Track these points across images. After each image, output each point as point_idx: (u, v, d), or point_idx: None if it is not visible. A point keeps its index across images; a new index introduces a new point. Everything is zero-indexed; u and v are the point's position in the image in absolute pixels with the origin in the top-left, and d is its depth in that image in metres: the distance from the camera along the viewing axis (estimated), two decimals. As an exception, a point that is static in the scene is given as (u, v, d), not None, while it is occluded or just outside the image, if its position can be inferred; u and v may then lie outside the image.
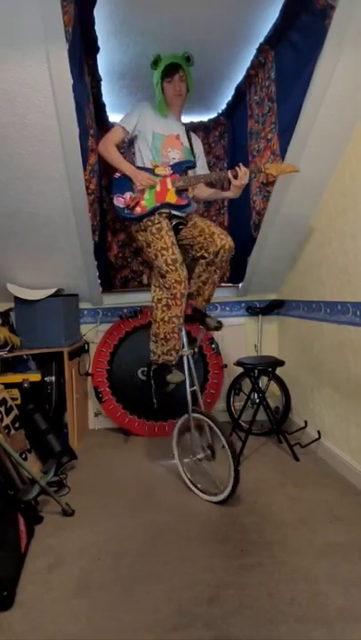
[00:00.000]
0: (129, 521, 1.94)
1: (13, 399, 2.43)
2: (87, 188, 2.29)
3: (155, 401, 2.88)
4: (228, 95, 2.84)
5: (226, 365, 3.08)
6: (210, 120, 3.17)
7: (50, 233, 2.51)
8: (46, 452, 2.41)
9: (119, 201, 2.23)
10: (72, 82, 1.85)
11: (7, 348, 2.64)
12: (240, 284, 3.17)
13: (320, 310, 2.54)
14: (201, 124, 3.18)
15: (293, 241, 2.78)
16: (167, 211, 2.22)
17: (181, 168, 2.24)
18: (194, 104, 2.79)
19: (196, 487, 2.18)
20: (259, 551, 1.68)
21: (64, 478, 2.30)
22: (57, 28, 1.66)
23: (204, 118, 3.16)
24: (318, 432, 2.57)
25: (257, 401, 2.69)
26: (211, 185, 2.50)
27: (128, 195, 2.21)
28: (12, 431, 2.27)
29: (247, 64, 2.44)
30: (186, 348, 2.26)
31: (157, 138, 2.23)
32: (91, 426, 3.25)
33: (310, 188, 2.40)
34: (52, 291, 2.79)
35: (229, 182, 2.16)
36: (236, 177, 2.11)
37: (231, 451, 2.01)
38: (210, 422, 2.15)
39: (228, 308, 3.29)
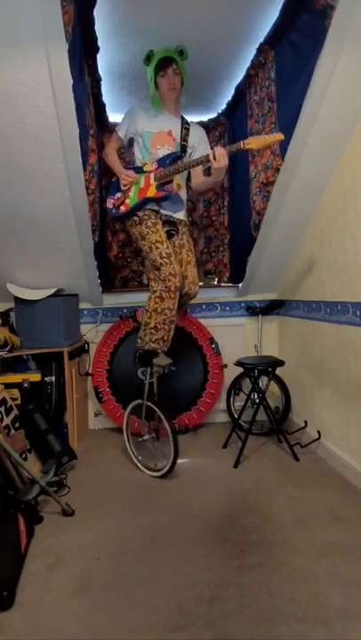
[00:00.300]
0: (129, 521, 1.94)
1: (13, 399, 2.43)
2: (87, 187, 2.29)
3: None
4: (228, 95, 2.84)
5: (226, 365, 3.08)
6: (210, 120, 3.17)
7: (50, 233, 2.51)
8: (46, 452, 2.41)
9: (110, 202, 2.35)
10: (72, 82, 1.85)
11: (7, 348, 2.64)
12: (240, 284, 3.17)
13: (320, 310, 2.54)
14: (201, 123, 3.16)
15: (293, 241, 2.78)
16: (156, 208, 2.25)
17: (166, 161, 2.25)
18: (194, 104, 2.79)
19: (140, 463, 2.44)
20: (259, 551, 1.68)
21: (64, 478, 2.30)
22: (57, 28, 1.66)
23: (204, 118, 3.16)
24: (318, 432, 2.57)
25: (257, 401, 2.69)
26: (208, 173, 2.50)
27: (117, 195, 2.31)
28: (12, 431, 2.27)
29: (247, 64, 2.44)
30: None
31: (146, 136, 2.25)
32: (91, 426, 3.25)
33: (310, 188, 2.40)
34: (52, 291, 2.78)
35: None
36: (214, 158, 2.04)
37: (171, 430, 2.24)
38: (158, 410, 2.35)
39: (228, 308, 3.29)
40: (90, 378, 3.13)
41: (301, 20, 1.94)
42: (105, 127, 2.94)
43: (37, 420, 2.45)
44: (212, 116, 3.14)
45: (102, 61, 2.33)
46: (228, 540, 1.76)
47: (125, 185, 2.25)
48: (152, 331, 2.22)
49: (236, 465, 2.45)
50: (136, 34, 2.14)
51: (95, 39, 2.10)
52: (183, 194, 2.43)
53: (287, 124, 2.18)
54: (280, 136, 1.94)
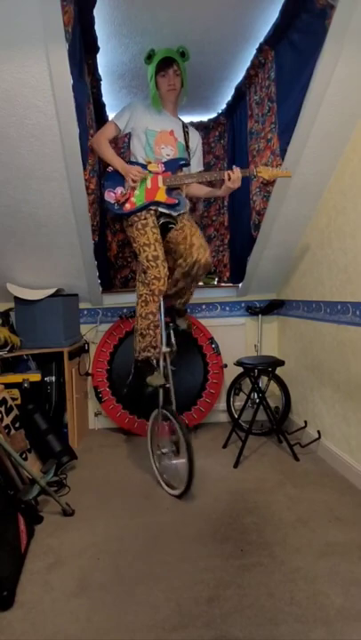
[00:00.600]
0: (129, 521, 1.94)
1: (13, 399, 2.44)
2: (87, 187, 2.29)
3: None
4: (228, 95, 2.84)
5: (226, 365, 3.08)
6: (210, 120, 3.17)
7: (50, 233, 2.51)
8: (46, 452, 2.41)
9: (110, 196, 2.24)
10: (72, 82, 1.85)
11: (7, 348, 2.64)
12: (240, 284, 3.17)
13: (320, 310, 2.54)
14: (201, 123, 3.18)
15: (293, 241, 2.78)
16: (155, 207, 2.23)
17: (174, 166, 2.24)
18: (194, 104, 2.79)
19: (163, 480, 2.26)
20: (259, 551, 1.68)
21: (64, 478, 2.30)
22: (57, 28, 1.67)
23: (204, 118, 3.16)
24: (318, 432, 2.57)
25: (257, 401, 2.69)
26: (209, 183, 2.49)
27: (119, 190, 2.22)
28: (12, 431, 2.27)
29: (247, 64, 2.44)
30: (164, 346, 2.26)
31: (150, 134, 2.23)
32: (91, 426, 3.25)
33: (310, 188, 2.41)
34: (52, 291, 2.79)
35: (222, 182, 2.19)
36: (229, 179, 2.13)
37: (188, 452, 2.01)
38: (175, 421, 2.14)
39: (228, 308, 3.29)
40: (90, 378, 3.13)
41: (301, 20, 1.94)
42: (105, 127, 2.94)
43: (37, 420, 2.45)
44: (212, 116, 3.14)
45: (102, 61, 2.33)
46: (228, 540, 1.76)
47: (135, 182, 2.17)
48: (140, 338, 2.20)
49: (236, 465, 2.45)
50: (136, 34, 2.14)
51: (95, 39, 2.10)
52: (184, 195, 2.41)
53: (287, 124, 2.19)
54: (289, 173, 2.15)
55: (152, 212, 2.23)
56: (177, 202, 2.23)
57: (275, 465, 2.46)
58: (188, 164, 2.31)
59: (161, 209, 2.25)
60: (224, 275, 3.42)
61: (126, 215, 2.24)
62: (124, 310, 3.13)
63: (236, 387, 3.09)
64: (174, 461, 2.23)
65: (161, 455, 2.30)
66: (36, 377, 2.60)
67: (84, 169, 2.21)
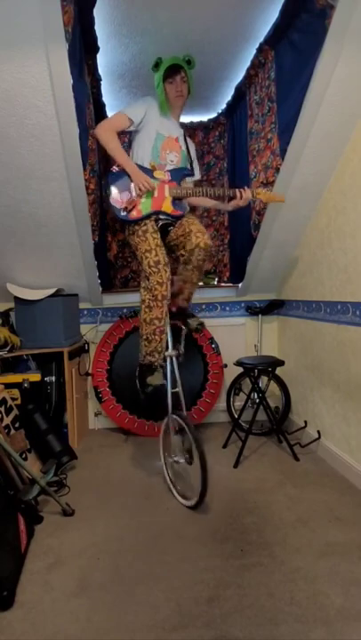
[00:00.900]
0: (129, 521, 1.94)
1: (13, 399, 2.44)
2: (87, 187, 2.29)
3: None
4: (228, 95, 2.84)
5: (226, 365, 3.08)
6: (210, 120, 3.17)
7: (50, 233, 2.51)
8: (46, 452, 2.41)
9: (116, 201, 2.17)
10: (72, 82, 1.85)
11: (7, 348, 2.64)
12: (240, 284, 3.17)
13: (320, 310, 2.54)
14: (201, 123, 3.19)
15: (293, 241, 2.78)
16: (156, 217, 2.22)
17: (179, 175, 2.24)
18: (194, 104, 2.79)
19: (175, 489, 2.18)
20: (259, 551, 1.68)
21: (64, 478, 2.30)
22: (57, 28, 1.67)
23: (204, 118, 3.16)
24: (318, 432, 2.57)
25: (257, 401, 2.69)
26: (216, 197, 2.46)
27: (126, 196, 2.17)
28: (12, 431, 2.27)
29: (247, 64, 2.44)
30: (170, 350, 2.26)
31: (159, 138, 2.21)
32: (91, 426, 3.25)
33: (310, 188, 2.41)
34: (52, 291, 2.79)
35: (230, 198, 2.26)
36: (241, 197, 2.21)
37: (201, 461, 1.94)
38: (186, 428, 2.07)
39: (228, 308, 3.29)
40: (90, 378, 3.13)
41: (301, 20, 1.95)
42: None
43: (37, 420, 2.45)
44: (212, 116, 3.14)
45: (102, 61, 2.33)
46: (228, 540, 1.76)
47: (142, 192, 2.12)
48: (146, 343, 2.18)
49: (236, 465, 2.45)
50: (136, 34, 2.14)
51: (95, 39, 2.10)
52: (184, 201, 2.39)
53: (287, 124, 2.19)
54: (283, 198, 2.31)
55: (152, 217, 2.20)
56: (182, 213, 2.23)
57: (275, 465, 2.46)
58: (191, 174, 2.33)
59: (162, 216, 2.24)
60: (224, 275, 3.42)
61: (133, 222, 2.17)
62: (124, 310, 3.13)
63: (236, 387, 3.09)
64: (187, 470, 2.16)
65: (173, 464, 2.22)
66: (36, 377, 2.60)
67: (84, 169, 2.21)
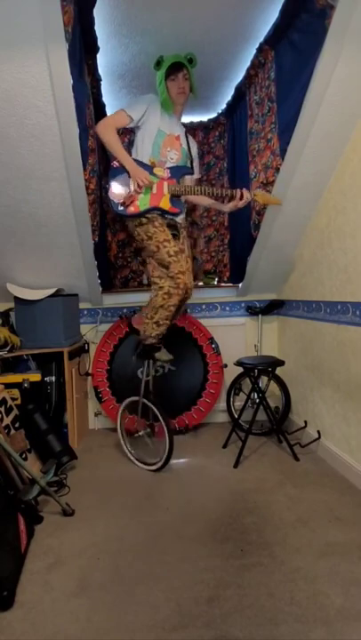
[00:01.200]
0: (129, 521, 1.94)
1: (13, 399, 2.44)
2: (87, 187, 2.29)
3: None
4: (228, 95, 2.84)
5: (226, 365, 3.08)
6: (210, 120, 3.17)
7: (50, 233, 2.51)
8: (46, 452, 2.41)
9: (114, 195, 2.21)
10: (72, 82, 1.85)
11: (7, 348, 2.64)
12: (240, 284, 3.17)
13: (320, 310, 2.54)
14: (201, 123, 3.19)
15: (293, 241, 2.78)
16: (160, 213, 2.24)
17: (179, 173, 2.26)
18: (194, 104, 2.79)
19: (134, 457, 2.55)
20: (259, 551, 1.68)
21: (64, 478, 2.30)
22: (57, 28, 1.67)
23: (204, 118, 3.16)
24: (318, 432, 2.57)
25: (257, 401, 2.69)
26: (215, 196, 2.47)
27: (125, 191, 2.20)
28: (12, 431, 2.27)
29: (247, 64, 2.44)
30: (144, 376, 2.54)
31: (160, 135, 2.22)
32: (91, 426, 3.25)
33: (310, 188, 2.40)
34: (52, 291, 2.79)
35: (229, 199, 2.30)
36: (241, 198, 2.26)
37: (167, 427, 2.37)
38: (154, 407, 2.46)
39: (228, 308, 3.29)
40: (90, 378, 3.13)
41: (301, 20, 1.94)
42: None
43: (37, 420, 2.45)
44: (212, 115, 3.14)
45: (102, 61, 2.33)
46: (228, 540, 1.76)
47: (140, 187, 2.16)
48: (154, 326, 2.28)
49: (236, 465, 2.45)
50: (136, 34, 2.14)
51: (95, 39, 2.10)
52: (182, 198, 2.41)
53: (287, 124, 2.19)
54: (280, 201, 2.35)
55: (158, 214, 2.25)
56: (179, 211, 2.27)
57: (275, 465, 2.46)
58: (191, 173, 2.35)
59: (166, 215, 2.27)
60: (224, 275, 3.42)
61: (126, 216, 2.23)
62: (124, 310, 3.13)
63: (236, 387, 3.09)
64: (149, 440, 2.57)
65: (137, 437, 2.58)
66: (36, 377, 2.60)
67: (84, 169, 2.21)
